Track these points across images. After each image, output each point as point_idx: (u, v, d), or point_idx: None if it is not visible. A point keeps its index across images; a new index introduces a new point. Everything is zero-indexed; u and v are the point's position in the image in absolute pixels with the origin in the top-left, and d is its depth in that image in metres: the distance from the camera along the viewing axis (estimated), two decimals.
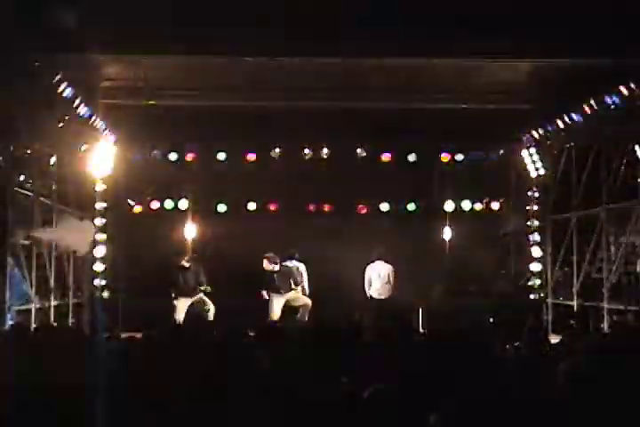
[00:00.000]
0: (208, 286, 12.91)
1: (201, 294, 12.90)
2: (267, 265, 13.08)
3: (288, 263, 13.56)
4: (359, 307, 13.46)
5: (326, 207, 14.83)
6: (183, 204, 14.60)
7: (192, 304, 12.82)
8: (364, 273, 13.52)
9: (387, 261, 13.50)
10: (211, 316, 12.74)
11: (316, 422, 4.06)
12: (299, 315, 13.08)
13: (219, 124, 13.21)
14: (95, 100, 11.91)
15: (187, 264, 13.00)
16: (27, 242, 10.91)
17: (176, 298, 12.76)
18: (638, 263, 11.34)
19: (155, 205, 14.67)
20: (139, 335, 7.16)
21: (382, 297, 13.44)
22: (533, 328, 8.45)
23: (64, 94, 10.84)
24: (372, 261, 13.54)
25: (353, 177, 14.52)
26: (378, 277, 13.45)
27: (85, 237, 11.89)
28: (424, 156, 14.69)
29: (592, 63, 10.15)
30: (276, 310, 12.90)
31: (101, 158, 13.11)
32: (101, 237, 13.85)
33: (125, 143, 13.98)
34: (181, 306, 12.71)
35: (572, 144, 13.06)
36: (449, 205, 14.73)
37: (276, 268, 13.09)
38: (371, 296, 13.47)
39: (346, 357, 5.85)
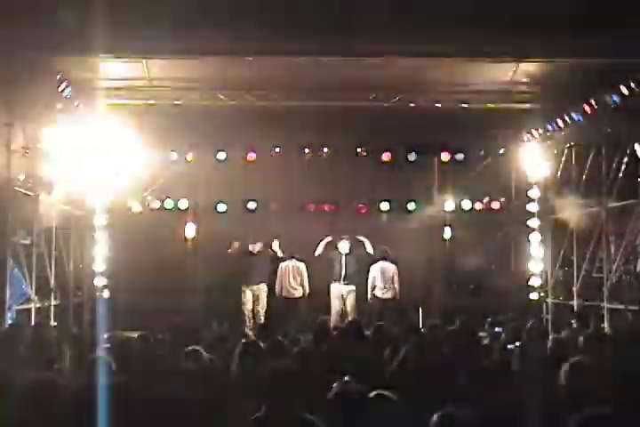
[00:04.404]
0: None
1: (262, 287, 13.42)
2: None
3: (289, 262, 13.60)
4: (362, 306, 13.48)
5: (326, 207, 14.83)
6: (183, 204, 14.60)
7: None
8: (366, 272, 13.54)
9: (392, 261, 13.51)
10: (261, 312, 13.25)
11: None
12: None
13: (219, 124, 13.21)
14: (95, 100, 11.90)
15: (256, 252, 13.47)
16: (27, 242, 10.91)
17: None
18: (638, 263, 11.34)
19: (155, 205, 14.67)
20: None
21: (386, 297, 13.44)
22: (534, 328, 8.46)
23: (64, 94, 10.83)
24: (376, 261, 13.55)
25: (353, 177, 14.53)
26: (382, 277, 13.45)
27: None
28: (424, 155, 14.69)
29: (592, 63, 10.15)
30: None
31: (101, 158, 13.08)
32: (101, 236, 13.85)
33: (125, 143, 13.95)
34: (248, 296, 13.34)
35: (571, 144, 13.06)
36: (449, 205, 14.72)
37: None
38: (374, 295, 13.48)
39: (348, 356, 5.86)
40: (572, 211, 12.92)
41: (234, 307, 13.36)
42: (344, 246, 13.45)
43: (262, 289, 13.44)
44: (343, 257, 13.39)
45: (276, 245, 13.55)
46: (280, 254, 13.57)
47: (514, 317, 11.84)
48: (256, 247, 13.55)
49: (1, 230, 9.77)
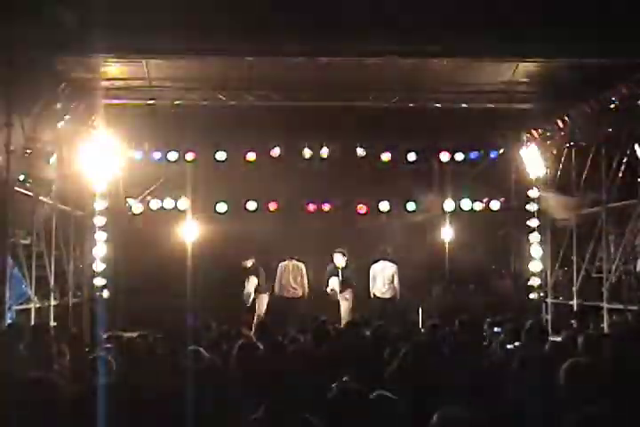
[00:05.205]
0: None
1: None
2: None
3: (289, 262, 13.60)
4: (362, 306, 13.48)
5: (326, 207, 14.83)
6: (183, 204, 14.60)
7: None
8: (366, 272, 13.54)
9: (392, 261, 13.50)
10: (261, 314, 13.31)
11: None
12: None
13: (219, 124, 13.21)
14: (95, 100, 11.90)
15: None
16: (27, 242, 10.91)
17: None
18: (638, 263, 11.35)
19: (155, 205, 14.68)
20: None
21: (386, 296, 13.44)
22: (533, 328, 8.45)
23: (64, 94, 10.83)
24: (377, 261, 13.54)
25: (353, 177, 14.53)
26: (382, 277, 13.45)
27: None
28: (424, 156, 14.69)
29: (592, 63, 10.15)
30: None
31: (101, 158, 13.10)
32: (101, 236, 13.86)
33: (125, 143, 13.98)
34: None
35: (571, 144, 13.06)
36: (449, 205, 14.73)
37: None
38: (374, 295, 13.47)
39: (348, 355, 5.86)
40: (571, 211, 12.94)
41: (234, 307, 13.36)
42: (340, 260, 13.43)
43: (263, 297, 13.48)
44: (340, 271, 13.40)
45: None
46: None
47: (514, 317, 11.84)
48: (248, 263, 13.55)
49: (1, 230, 9.77)
